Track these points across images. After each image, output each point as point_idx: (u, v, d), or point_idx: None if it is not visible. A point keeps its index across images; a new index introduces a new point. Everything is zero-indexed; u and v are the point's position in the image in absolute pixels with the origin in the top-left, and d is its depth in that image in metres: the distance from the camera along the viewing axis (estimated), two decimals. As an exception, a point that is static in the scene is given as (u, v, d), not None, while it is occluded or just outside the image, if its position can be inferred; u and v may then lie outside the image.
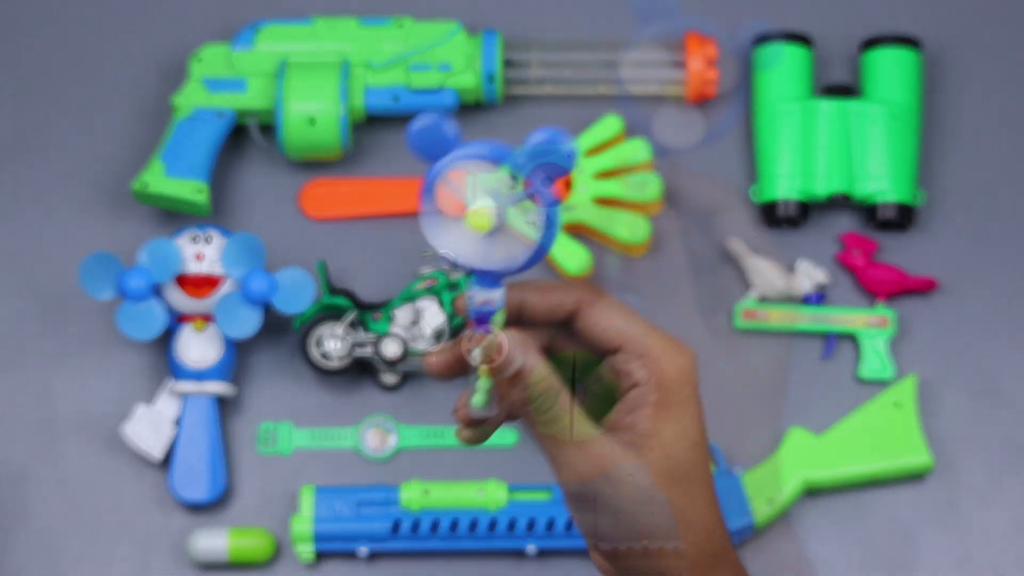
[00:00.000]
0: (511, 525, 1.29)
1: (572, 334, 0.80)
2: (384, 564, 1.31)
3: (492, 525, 1.29)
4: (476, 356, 0.76)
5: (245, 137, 1.40)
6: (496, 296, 0.75)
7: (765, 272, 1.36)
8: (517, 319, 0.78)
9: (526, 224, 0.72)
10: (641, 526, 0.77)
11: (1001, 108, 1.43)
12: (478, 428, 0.81)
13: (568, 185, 1.38)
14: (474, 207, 0.71)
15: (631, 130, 1.40)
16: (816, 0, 1.45)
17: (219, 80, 1.39)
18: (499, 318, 0.76)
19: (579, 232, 1.37)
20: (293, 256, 1.36)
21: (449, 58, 1.38)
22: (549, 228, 0.73)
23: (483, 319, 0.75)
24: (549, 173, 0.72)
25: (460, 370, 0.78)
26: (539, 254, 0.73)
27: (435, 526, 1.29)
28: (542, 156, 0.71)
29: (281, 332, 1.36)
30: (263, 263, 1.32)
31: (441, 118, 0.71)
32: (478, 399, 0.78)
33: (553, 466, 0.78)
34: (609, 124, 1.39)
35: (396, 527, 1.29)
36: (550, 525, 1.29)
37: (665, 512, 0.77)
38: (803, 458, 1.32)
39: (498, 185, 0.71)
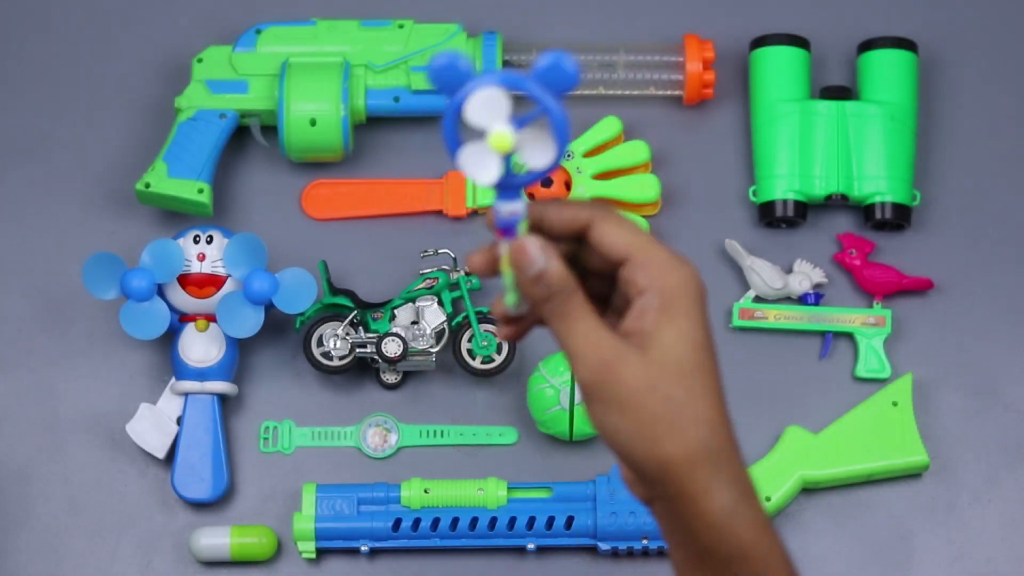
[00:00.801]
0: (511, 523, 1.30)
1: (586, 247, 0.86)
2: (385, 562, 1.32)
3: (492, 523, 1.30)
4: (504, 257, 0.83)
5: (247, 138, 1.41)
6: (520, 207, 0.81)
7: (763, 272, 1.36)
8: (538, 231, 0.84)
9: (538, 140, 0.80)
10: (643, 417, 0.82)
11: (997, 109, 1.43)
12: (515, 325, 0.87)
13: (568, 186, 1.39)
14: (493, 131, 0.79)
15: (630, 131, 1.41)
16: (814, 2, 1.46)
17: (221, 81, 1.39)
18: (523, 227, 0.82)
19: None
20: (294, 256, 1.36)
21: (449, 59, 1.38)
22: (560, 139, 0.80)
23: (509, 228, 0.82)
24: (559, 89, 0.79)
25: (494, 269, 0.84)
26: (554, 163, 0.80)
27: (435, 524, 1.30)
28: (551, 75, 0.79)
29: (282, 332, 1.36)
30: (265, 263, 1.32)
31: (456, 56, 0.79)
32: (510, 298, 0.84)
33: (568, 359, 0.83)
34: (608, 125, 1.40)
35: (397, 525, 1.30)
36: (550, 523, 1.30)
37: (666, 406, 0.82)
38: (800, 456, 1.32)
39: (511, 110, 0.79)
